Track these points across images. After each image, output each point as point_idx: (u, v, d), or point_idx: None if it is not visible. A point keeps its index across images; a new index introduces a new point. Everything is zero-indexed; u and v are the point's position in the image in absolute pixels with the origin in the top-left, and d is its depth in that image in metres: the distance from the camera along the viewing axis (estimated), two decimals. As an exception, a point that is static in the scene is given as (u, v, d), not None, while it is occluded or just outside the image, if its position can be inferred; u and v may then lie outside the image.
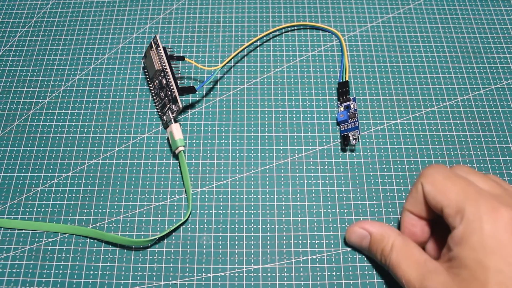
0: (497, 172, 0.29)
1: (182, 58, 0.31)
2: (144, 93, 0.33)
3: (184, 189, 0.29)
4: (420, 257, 0.22)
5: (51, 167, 0.30)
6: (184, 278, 0.26)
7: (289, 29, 0.35)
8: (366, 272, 0.26)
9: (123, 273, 0.27)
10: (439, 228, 0.24)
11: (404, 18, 0.35)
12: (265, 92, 0.32)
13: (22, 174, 0.30)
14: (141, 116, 0.32)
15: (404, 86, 0.32)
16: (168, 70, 0.30)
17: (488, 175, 0.24)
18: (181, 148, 0.29)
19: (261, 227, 0.28)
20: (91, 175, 0.30)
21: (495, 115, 0.31)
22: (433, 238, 0.25)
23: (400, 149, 0.30)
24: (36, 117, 0.32)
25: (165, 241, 0.28)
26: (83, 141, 0.31)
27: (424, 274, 0.22)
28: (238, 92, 0.32)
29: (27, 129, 0.31)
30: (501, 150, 0.30)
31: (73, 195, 0.29)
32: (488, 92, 0.32)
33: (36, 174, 0.30)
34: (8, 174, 0.30)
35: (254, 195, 0.29)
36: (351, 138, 0.29)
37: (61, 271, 0.27)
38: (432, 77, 0.33)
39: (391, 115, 0.31)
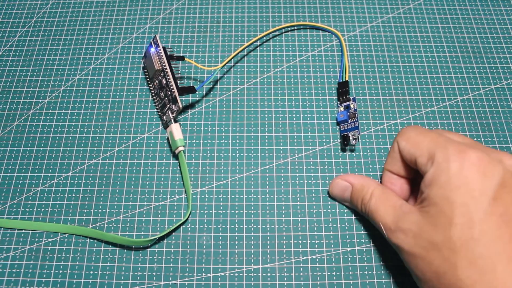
0: (497, 172, 0.29)
1: (182, 58, 0.31)
2: (144, 93, 0.33)
3: (184, 189, 0.29)
4: (396, 202, 0.24)
5: (51, 167, 0.30)
6: (184, 278, 0.26)
7: (289, 29, 0.35)
8: (366, 272, 0.26)
9: (123, 273, 0.27)
10: (418, 187, 0.25)
11: (404, 18, 0.35)
12: (265, 92, 0.32)
13: (22, 174, 0.30)
14: (141, 116, 0.32)
15: (404, 86, 0.32)
16: (168, 70, 0.30)
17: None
18: (181, 148, 0.29)
19: (261, 227, 0.28)
20: (91, 175, 0.30)
21: (495, 115, 0.31)
22: (412, 196, 0.26)
23: (400, 149, 0.30)
24: (36, 117, 0.32)
25: (165, 241, 0.28)
26: (83, 141, 0.31)
27: (399, 216, 0.23)
28: (238, 92, 0.32)
29: (27, 129, 0.31)
30: (501, 150, 0.30)
31: (73, 195, 0.29)
32: (488, 92, 0.32)
33: (36, 174, 0.30)
34: (8, 174, 0.30)
35: (254, 195, 0.29)
36: (351, 138, 0.29)
37: (61, 271, 0.27)
38: (432, 77, 0.33)
39: (391, 115, 0.31)
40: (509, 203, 0.20)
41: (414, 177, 0.26)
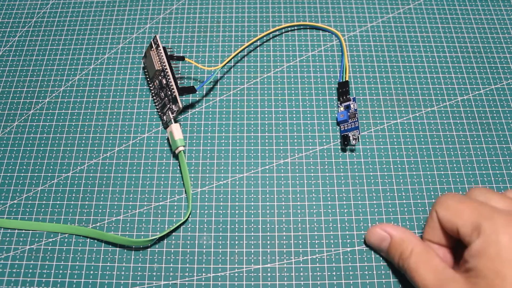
0: (497, 172, 0.29)
1: (182, 58, 0.31)
2: (144, 93, 0.33)
3: (184, 189, 0.29)
4: (439, 265, 0.23)
5: (51, 167, 0.30)
6: (184, 278, 0.26)
7: (289, 29, 0.35)
8: (366, 272, 0.26)
9: (123, 273, 0.27)
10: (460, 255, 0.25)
11: (404, 18, 0.35)
12: (265, 92, 0.32)
13: (22, 174, 0.30)
14: (141, 116, 0.32)
15: (404, 86, 0.32)
16: (168, 70, 0.30)
17: (505, 193, 0.24)
18: (181, 148, 0.29)
19: (261, 227, 0.28)
20: (91, 175, 0.30)
21: (495, 115, 0.31)
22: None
23: (400, 149, 0.30)
24: (36, 117, 0.32)
25: (165, 241, 0.28)
26: (83, 141, 0.31)
27: (442, 281, 0.22)
28: (238, 92, 0.32)
29: (27, 129, 0.31)
30: (501, 150, 0.30)
31: (73, 195, 0.29)
32: (488, 92, 0.32)
33: (36, 174, 0.30)
34: (8, 174, 0.30)
35: (254, 195, 0.29)
36: (351, 138, 0.29)
37: (61, 271, 0.27)
38: (432, 77, 0.33)
39: (391, 115, 0.31)
40: None
41: (455, 246, 0.25)
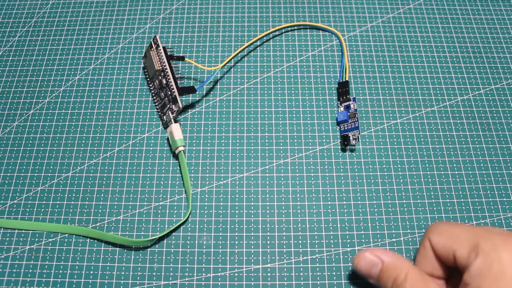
0: (497, 172, 0.29)
1: (182, 58, 0.31)
2: (144, 93, 0.33)
3: (184, 189, 0.29)
4: None
5: (51, 167, 0.30)
6: (184, 278, 0.26)
7: (289, 29, 0.35)
8: (366, 272, 0.26)
9: (123, 273, 0.27)
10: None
11: (404, 18, 0.35)
12: (265, 92, 0.32)
13: (22, 174, 0.30)
14: (141, 116, 0.32)
15: (404, 86, 0.32)
16: (168, 70, 0.30)
17: None
18: (181, 148, 0.29)
19: (261, 227, 0.28)
20: (91, 175, 0.30)
21: (495, 115, 0.31)
22: None
23: (400, 149, 0.30)
24: (36, 117, 0.32)
25: (165, 241, 0.28)
26: (83, 141, 0.31)
27: None
28: (238, 92, 0.32)
29: (27, 129, 0.31)
30: (501, 150, 0.30)
31: (73, 195, 0.29)
32: (488, 92, 0.32)
33: (36, 174, 0.30)
34: (8, 174, 0.30)
35: (254, 195, 0.29)
36: (351, 138, 0.29)
37: (61, 271, 0.27)
38: (432, 77, 0.33)
39: (391, 115, 0.31)
40: None
41: (448, 277, 0.24)
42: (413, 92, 0.32)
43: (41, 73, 0.34)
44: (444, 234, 0.22)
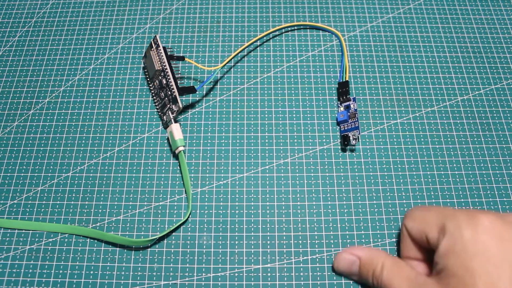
0: (497, 172, 0.29)
1: (182, 58, 0.31)
2: (144, 93, 0.33)
3: (184, 189, 0.29)
4: (411, 273, 0.23)
5: (51, 167, 0.30)
6: (184, 278, 0.26)
7: (289, 29, 0.35)
8: (366, 272, 0.26)
9: (123, 273, 0.27)
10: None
11: (404, 18, 0.35)
12: (265, 92, 0.32)
13: (22, 174, 0.30)
14: (141, 116, 0.32)
15: (404, 86, 0.32)
16: (168, 70, 0.30)
17: None
18: (181, 148, 0.29)
19: (261, 227, 0.28)
20: (91, 175, 0.30)
21: (495, 115, 0.31)
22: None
23: (400, 149, 0.30)
24: (36, 117, 0.32)
25: (165, 241, 0.28)
26: (83, 141, 0.31)
27: (416, 287, 0.22)
28: (238, 92, 0.32)
29: (27, 129, 0.31)
30: (501, 150, 0.30)
31: (73, 195, 0.29)
32: (488, 92, 0.32)
33: (36, 174, 0.30)
34: (8, 174, 0.30)
35: (254, 195, 0.29)
36: (351, 138, 0.29)
37: (61, 271, 0.27)
38: (432, 77, 0.33)
39: (391, 115, 0.31)
40: None
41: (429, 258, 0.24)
42: (413, 92, 0.32)
43: (41, 73, 0.34)
44: (417, 219, 0.24)
